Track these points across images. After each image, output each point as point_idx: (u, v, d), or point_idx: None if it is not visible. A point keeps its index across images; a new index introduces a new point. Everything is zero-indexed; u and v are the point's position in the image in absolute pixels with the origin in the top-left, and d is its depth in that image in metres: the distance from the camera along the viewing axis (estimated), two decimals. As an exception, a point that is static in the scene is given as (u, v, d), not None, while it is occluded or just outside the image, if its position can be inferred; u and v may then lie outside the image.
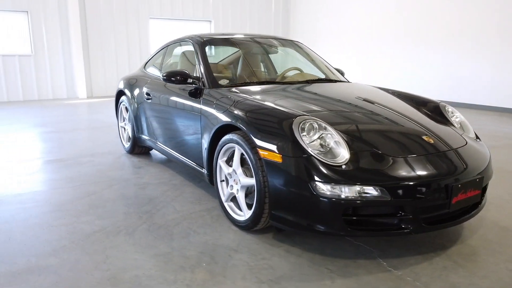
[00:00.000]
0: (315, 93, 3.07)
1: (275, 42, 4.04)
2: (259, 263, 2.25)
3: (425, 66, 9.84)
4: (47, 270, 2.16)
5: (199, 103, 3.07)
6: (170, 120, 3.58)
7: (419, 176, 2.14)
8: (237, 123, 2.54)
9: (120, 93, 4.68)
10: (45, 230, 2.66)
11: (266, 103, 2.64)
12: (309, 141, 2.21)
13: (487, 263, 2.26)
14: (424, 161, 2.24)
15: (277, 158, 2.22)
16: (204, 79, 3.17)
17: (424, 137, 2.43)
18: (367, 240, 2.50)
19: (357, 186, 2.05)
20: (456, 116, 2.95)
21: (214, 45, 3.62)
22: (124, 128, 4.73)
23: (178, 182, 3.67)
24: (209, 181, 2.99)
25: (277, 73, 3.73)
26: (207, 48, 3.48)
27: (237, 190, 2.62)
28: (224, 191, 2.79)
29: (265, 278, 2.09)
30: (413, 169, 2.17)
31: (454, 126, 2.80)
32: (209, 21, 12.81)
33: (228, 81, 3.21)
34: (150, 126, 4.03)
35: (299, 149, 2.16)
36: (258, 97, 2.81)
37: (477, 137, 2.86)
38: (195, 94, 3.14)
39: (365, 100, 2.91)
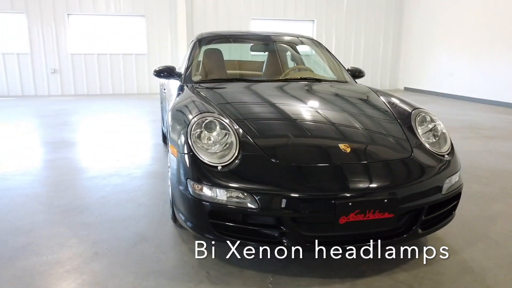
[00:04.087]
0: (273, 92, 2.91)
1: (285, 39, 3.89)
2: (154, 256, 2.27)
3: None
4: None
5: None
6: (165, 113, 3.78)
7: (294, 188, 1.88)
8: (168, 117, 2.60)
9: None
10: (25, 204, 3.13)
11: (196, 99, 2.61)
12: (214, 140, 2.14)
13: (391, 303, 1.86)
14: (317, 171, 1.96)
15: (175, 154, 2.22)
16: (182, 74, 3.27)
17: (341, 146, 2.10)
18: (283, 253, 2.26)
19: (226, 189, 1.92)
20: (432, 127, 2.44)
21: (211, 43, 3.67)
22: (164, 120, 5.14)
23: (174, 173, 3.84)
24: (171, 174, 3.09)
25: (264, 70, 3.59)
26: (209, 45, 3.58)
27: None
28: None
29: (139, 271, 2.11)
30: (295, 179, 1.92)
31: (416, 137, 2.33)
32: (312, 21, 12.71)
33: (200, 77, 3.24)
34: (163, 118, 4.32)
35: (187, 146, 2.11)
36: (203, 93, 2.79)
37: (452, 152, 2.33)
38: (179, 89, 3.27)
39: (316, 103, 2.67)
